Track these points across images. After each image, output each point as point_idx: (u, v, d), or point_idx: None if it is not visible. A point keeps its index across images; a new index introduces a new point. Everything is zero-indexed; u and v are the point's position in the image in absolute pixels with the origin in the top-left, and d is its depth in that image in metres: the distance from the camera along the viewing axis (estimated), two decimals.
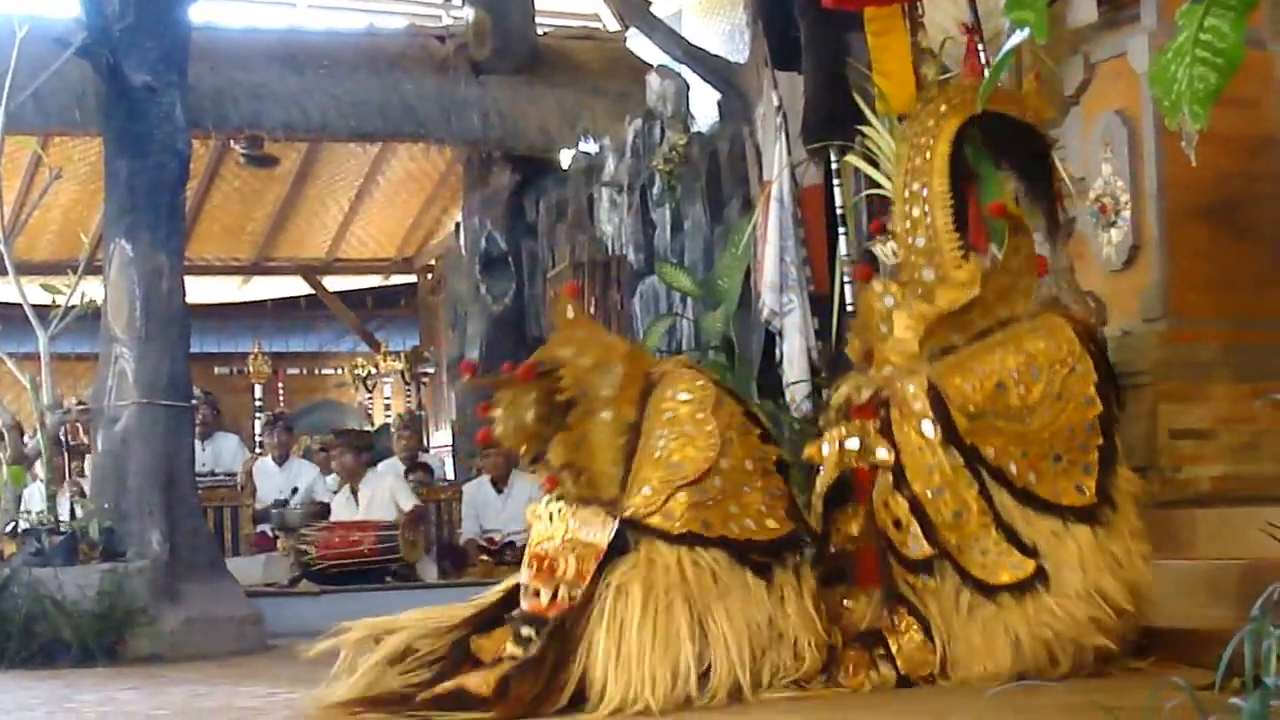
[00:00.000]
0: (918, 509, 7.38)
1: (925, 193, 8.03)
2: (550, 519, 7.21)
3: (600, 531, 7.07)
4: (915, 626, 7.39)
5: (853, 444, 7.60)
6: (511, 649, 7.05)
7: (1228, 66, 3.50)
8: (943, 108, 8.26)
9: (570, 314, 7.63)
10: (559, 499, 7.24)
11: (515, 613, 7.12)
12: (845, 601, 7.51)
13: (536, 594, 7.05)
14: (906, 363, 7.69)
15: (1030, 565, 7.29)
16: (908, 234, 8.07)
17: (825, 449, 7.71)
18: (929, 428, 7.38)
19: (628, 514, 7.08)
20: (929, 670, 7.30)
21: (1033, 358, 7.52)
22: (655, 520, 7.06)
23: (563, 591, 6.99)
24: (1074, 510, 7.38)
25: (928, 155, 8.10)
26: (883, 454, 7.49)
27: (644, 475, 7.17)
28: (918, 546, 7.41)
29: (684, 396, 7.34)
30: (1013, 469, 7.39)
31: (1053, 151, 8.65)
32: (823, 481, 7.69)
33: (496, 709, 6.70)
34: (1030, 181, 8.59)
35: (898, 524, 7.46)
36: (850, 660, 7.31)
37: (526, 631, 6.96)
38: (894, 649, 7.33)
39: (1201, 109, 3.52)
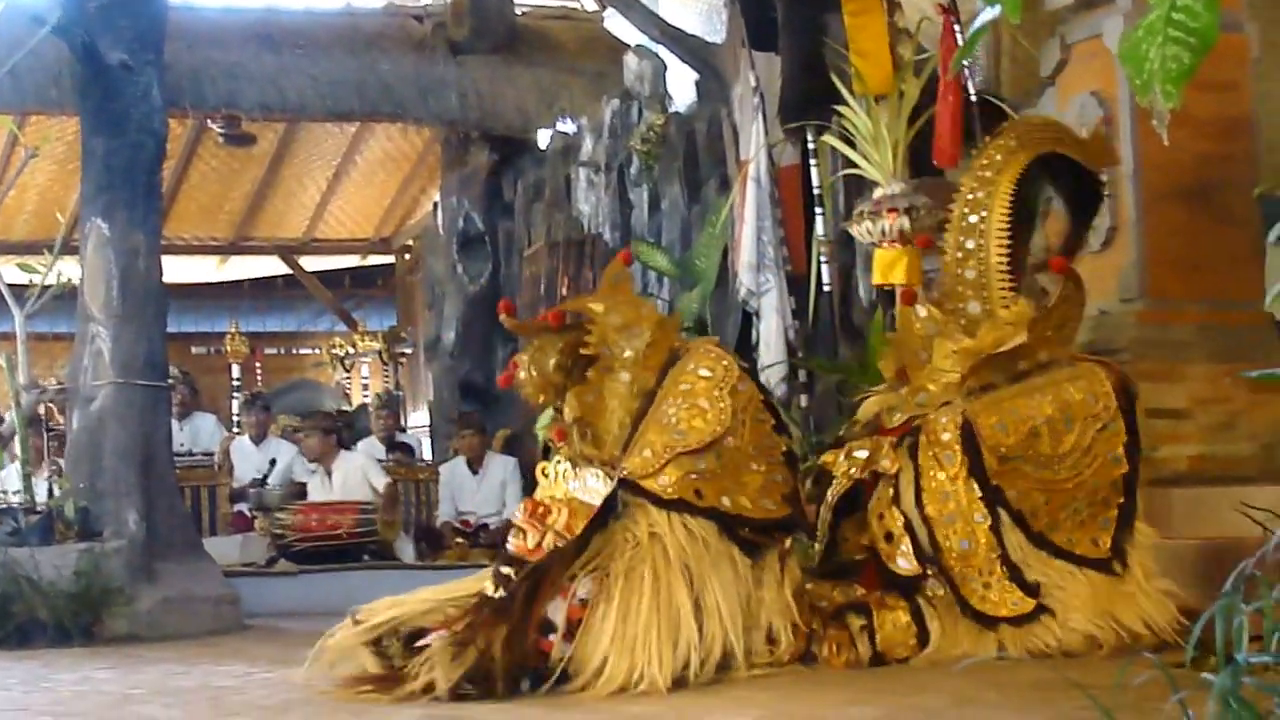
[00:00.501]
0: (911, 528, 7.48)
1: (983, 226, 8.09)
2: (555, 478, 7.30)
3: (599, 495, 7.14)
4: (904, 608, 7.45)
5: (861, 453, 7.69)
6: (489, 588, 7.08)
7: (1201, 46, 3.48)
8: (1011, 143, 8.32)
9: (618, 277, 7.73)
10: (566, 459, 7.32)
11: (499, 553, 7.15)
12: (835, 592, 7.59)
13: (524, 535, 7.09)
14: (943, 393, 7.80)
15: (1030, 604, 7.38)
16: (958, 264, 8.13)
17: (841, 459, 7.80)
18: (950, 459, 7.47)
19: (625, 474, 7.13)
20: (906, 654, 7.37)
21: (1068, 407, 7.60)
22: (649, 483, 7.11)
23: (549, 539, 7.03)
24: (1087, 560, 7.50)
25: (990, 190, 8.14)
26: (885, 464, 7.59)
27: (648, 438, 7.21)
28: (906, 564, 7.51)
29: (704, 372, 7.38)
30: (1032, 513, 7.50)
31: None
32: (834, 490, 7.75)
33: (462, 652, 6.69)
34: (1075, 215, 8.60)
35: (889, 537, 7.56)
36: (832, 639, 7.36)
37: (506, 570, 6.99)
38: (876, 623, 7.40)
39: (1174, 88, 3.49)
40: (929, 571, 7.47)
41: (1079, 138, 8.57)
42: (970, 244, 8.06)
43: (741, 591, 7.14)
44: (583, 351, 7.36)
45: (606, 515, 7.08)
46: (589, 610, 6.91)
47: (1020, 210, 8.21)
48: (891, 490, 7.59)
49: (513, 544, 7.14)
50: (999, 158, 8.22)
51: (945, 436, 7.51)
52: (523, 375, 7.45)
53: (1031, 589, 7.38)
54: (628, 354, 7.39)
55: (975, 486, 7.43)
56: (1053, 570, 7.46)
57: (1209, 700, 3.53)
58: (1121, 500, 7.57)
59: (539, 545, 7.04)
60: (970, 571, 7.42)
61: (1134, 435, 7.67)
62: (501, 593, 6.92)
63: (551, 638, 6.84)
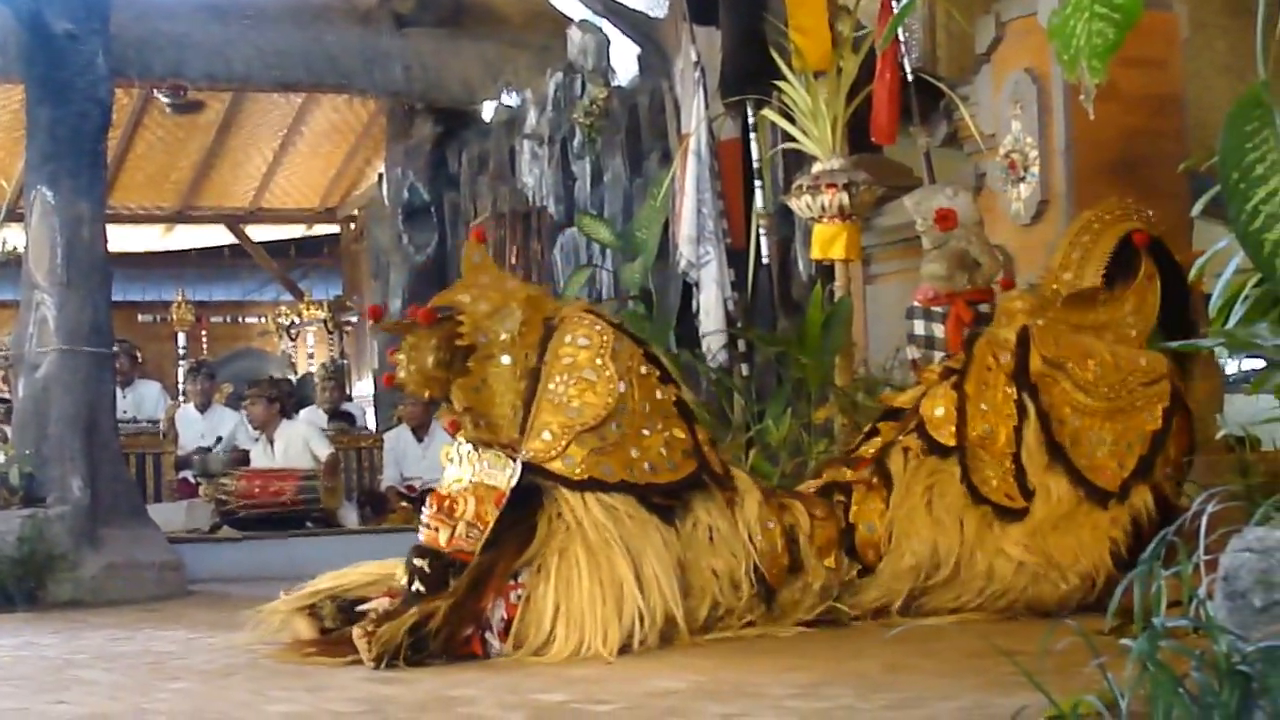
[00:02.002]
0: (961, 408, 7.95)
1: (1091, 246, 8.62)
2: (460, 461, 7.37)
3: (502, 475, 7.22)
4: (882, 495, 7.88)
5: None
6: (402, 577, 7.20)
7: (1125, 22, 3.60)
8: (1135, 211, 8.89)
9: (477, 259, 7.78)
10: (468, 441, 7.38)
11: (412, 546, 7.22)
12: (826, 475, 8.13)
13: (434, 529, 7.15)
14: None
15: (1022, 503, 7.85)
16: (1061, 268, 8.63)
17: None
18: (1003, 354, 8.02)
19: (528, 458, 7.18)
20: (876, 529, 7.79)
21: (1122, 358, 8.12)
22: (556, 466, 7.18)
23: (460, 528, 7.07)
24: (1091, 485, 7.87)
25: (1107, 225, 8.72)
26: (952, 362, 8.28)
27: (544, 419, 7.27)
28: (948, 434, 7.97)
29: (583, 342, 7.44)
30: (1059, 422, 7.93)
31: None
32: (908, 399, 8.35)
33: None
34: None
35: (939, 413, 8.03)
36: (818, 520, 7.81)
37: (419, 562, 7.04)
38: (854, 499, 7.89)
39: (1100, 64, 3.62)
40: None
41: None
42: (1076, 255, 8.65)
43: (672, 556, 7.28)
44: (458, 343, 7.38)
45: (516, 501, 7.15)
46: (530, 589, 7.04)
47: (1127, 258, 8.71)
48: (954, 380, 8.08)
49: (424, 537, 7.18)
50: (1120, 212, 8.83)
51: (1004, 335, 8.08)
52: (402, 375, 7.49)
53: (1028, 492, 7.84)
54: (504, 337, 7.43)
55: (1014, 389, 7.94)
56: (1047, 486, 7.86)
57: (1128, 664, 3.68)
58: (1144, 453, 7.96)
59: (451, 537, 7.09)
60: (983, 455, 7.91)
61: (1178, 407, 8.09)
62: (417, 585, 7.01)
63: (488, 635, 6.98)
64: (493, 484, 7.22)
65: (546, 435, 7.23)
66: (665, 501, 7.40)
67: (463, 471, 7.34)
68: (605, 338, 7.48)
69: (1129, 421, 7.95)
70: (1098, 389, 7.97)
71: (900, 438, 8.05)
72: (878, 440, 8.19)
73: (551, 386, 7.35)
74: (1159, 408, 8.01)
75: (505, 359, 7.41)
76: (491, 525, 7.06)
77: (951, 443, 7.92)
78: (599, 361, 7.39)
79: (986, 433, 7.92)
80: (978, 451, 7.91)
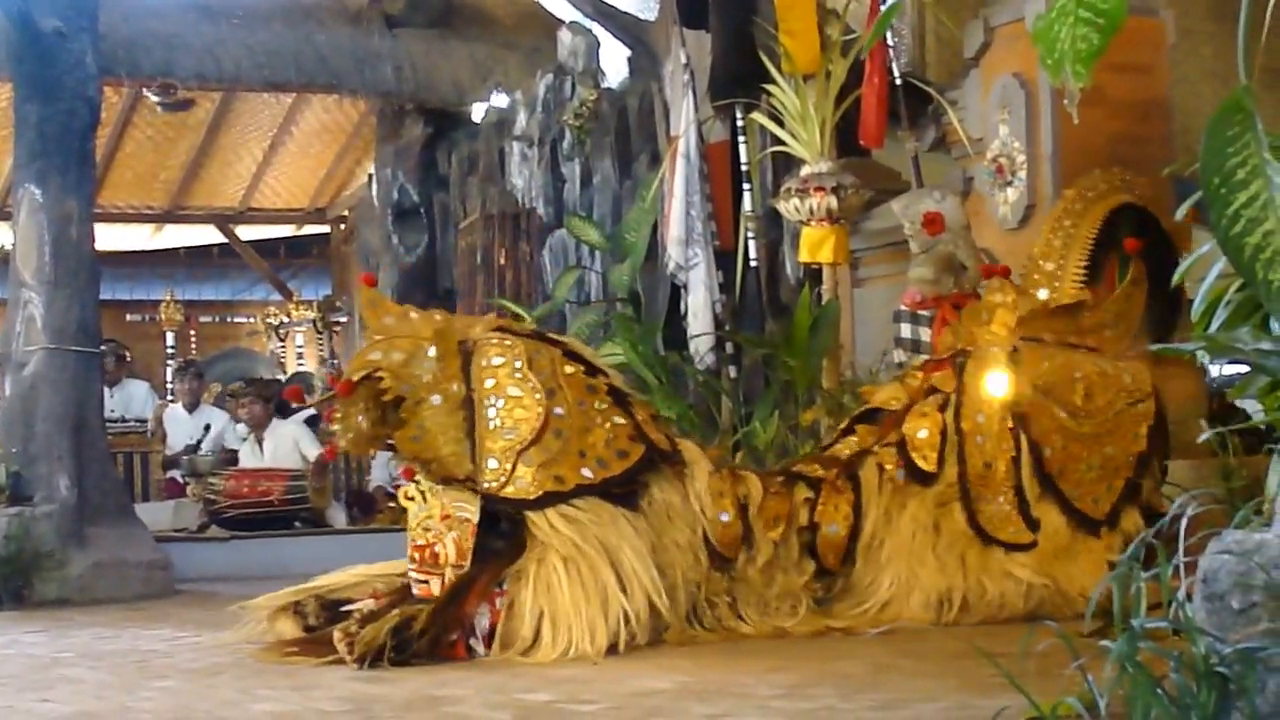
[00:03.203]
0: (945, 435, 7.89)
1: (1073, 230, 8.68)
2: (424, 498, 7.39)
3: (471, 507, 7.25)
4: (849, 499, 7.83)
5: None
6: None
7: (1109, 27, 3.61)
8: (1119, 181, 9.01)
9: (371, 303, 7.77)
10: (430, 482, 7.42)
11: (408, 601, 7.23)
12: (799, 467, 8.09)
13: (425, 582, 7.21)
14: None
15: (1029, 536, 7.85)
16: (1043, 256, 8.71)
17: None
18: (996, 384, 7.88)
19: (486, 490, 7.23)
20: (840, 531, 7.80)
21: (1106, 375, 8.05)
22: (509, 491, 7.23)
23: (449, 574, 7.15)
24: (1081, 515, 7.89)
25: (1089, 205, 8.79)
26: (941, 381, 8.12)
27: (486, 448, 7.29)
28: (925, 463, 7.92)
29: (497, 361, 7.46)
30: (1048, 453, 7.89)
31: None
32: (883, 399, 8.29)
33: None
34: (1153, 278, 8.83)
35: (920, 434, 7.96)
36: (770, 504, 7.75)
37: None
38: (821, 498, 7.85)
39: (1084, 68, 3.63)
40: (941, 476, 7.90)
41: (1179, 228, 8.89)
42: (1057, 242, 8.58)
43: (646, 542, 7.33)
44: (385, 400, 7.38)
45: (489, 526, 7.24)
46: (512, 595, 7.09)
47: (1113, 240, 8.79)
48: (941, 400, 8.01)
49: (418, 591, 7.24)
50: (1104, 186, 8.92)
51: (994, 357, 7.98)
52: (342, 443, 7.56)
53: (1033, 523, 7.85)
54: (426, 379, 7.41)
55: (1008, 415, 7.86)
56: (1044, 514, 7.88)
57: (1107, 665, 3.70)
58: (1130, 476, 7.96)
59: (443, 584, 7.16)
60: (985, 491, 7.86)
61: (1161, 424, 8.08)
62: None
63: (472, 641, 7.02)
64: (464, 515, 7.26)
65: (492, 463, 7.26)
66: (624, 489, 7.44)
67: (429, 508, 7.36)
68: (516, 350, 7.50)
69: (1116, 445, 7.94)
70: (1086, 413, 7.93)
71: (877, 449, 8.03)
72: (854, 441, 8.18)
73: (484, 413, 7.35)
74: (1144, 427, 8.01)
75: (435, 399, 7.40)
76: (471, 549, 7.14)
77: (933, 469, 7.88)
78: (518, 375, 7.41)
79: (986, 468, 7.87)
80: (981, 491, 7.88)
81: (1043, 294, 8.52)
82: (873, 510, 7.87)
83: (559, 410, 7.38)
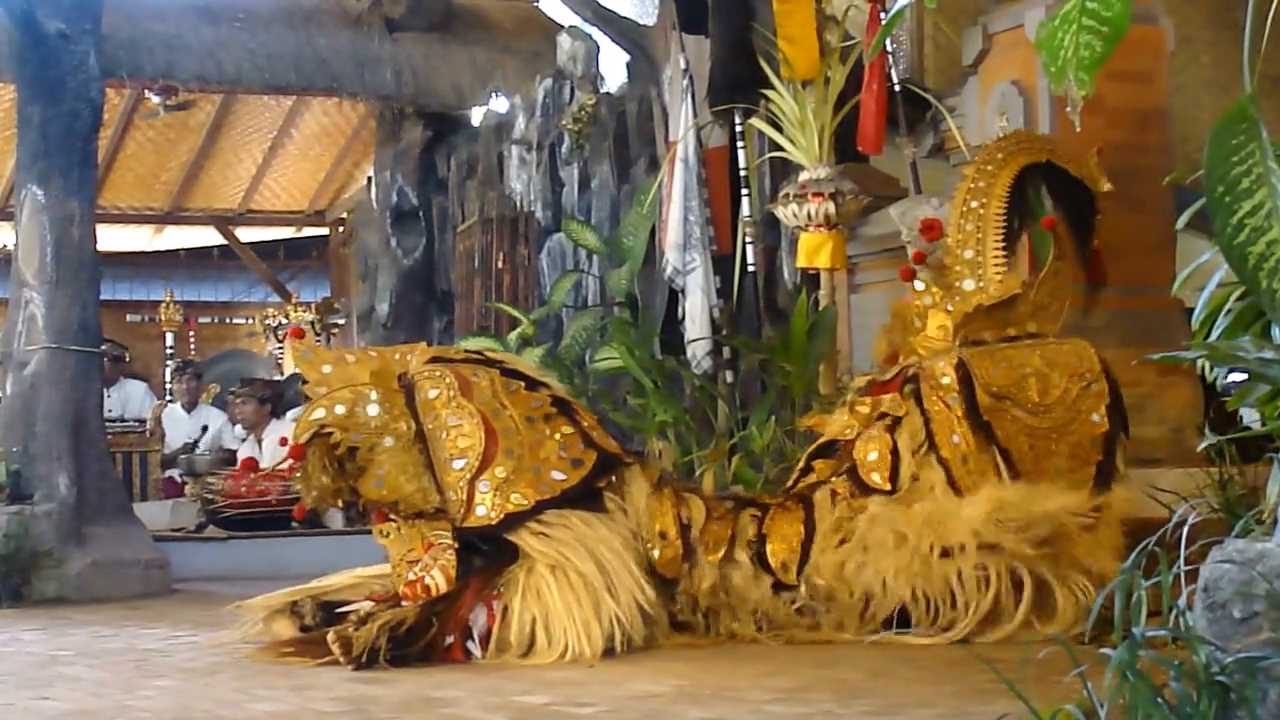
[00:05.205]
0: (896, 454, 7.70)
1: (982, 211, 8.38)
2: (395, 533, 7.45)
3: (448, 534, 7.27)
4: (800, 517, 7.71)
5: (863, 409, 7.98)
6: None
7: (1113, 35, 3.62)
8: (1014, 145, 8.69)
9: (305, 354, 7.71)
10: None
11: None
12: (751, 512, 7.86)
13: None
14: (934, 355, 8.04)
15: None
16: (959, 245, 8.39)
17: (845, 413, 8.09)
18: (955, 400, 7.72)
19: (454, 524, 7.24)
20: (791, 542, 7.62)
21: (1055, 363, 7.93)
22: (473, 522, 7.22)
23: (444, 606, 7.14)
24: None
25: (991, 180, 8.46)
26: (892, 405, 7.87)
27: (445, 482, 7.28)
28: (879, 478, 7.70)
29: (433, 394, 7.44)
30: (1018, 456, 7.75)
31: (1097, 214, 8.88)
32: (837, 432, 8.03)
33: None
34: (1074, 230, 8.79)
35: (870, 458, 7.76)
36: (713, 528, 7.64)
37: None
38: (768, 516, 7.72)
39: (1087, 76, 3.64)
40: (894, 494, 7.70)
41: (1079, 157, 8.76)
42: (969, 226, 8.32)
43: (620, 533, 7.36)
44: (337, 454, 7.35)
45: (468, 556, 7.26)
46: (506, 601, 7.10)
47: (1021, 205, 8.55)
48: (889, 423, 7.80)
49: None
50: (1000, 156, 8.56)
51: (945, 380, 7.78)
52: (309, 502, 7.54)
53: None
54: (374, 424, 7.38)
55: (973, 428, 7.71)
56: None
57: (1107, 673, 3.71)
58: (1100, 459, 7.84)
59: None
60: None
61: (1117, 399, 7.97)
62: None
63: (469, 644, 7.03)
64: (445, 542, 7.28)
65: (452, 495, 7.25)
66: (586, 493, 7.42)
67: (408, 540, 7.40)
68: (448, 380, 7.47)
69: (1080, 432, 7.83)
70: (1045, 408, 7.81)
71: (832, 479, 7.90)
72: (812, 478, 8.07)
73: (435, 448, 7.34)
74: (1101, 407, 7.90)
75: (387, 441, 7.36)
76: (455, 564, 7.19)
77: (886, 486, 7.75)
78: (455, 405, 7.39)
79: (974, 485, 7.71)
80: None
81: (969, 284, 8.28)
82: (824, 522, 7.75)
83: (504, 431, 7.37)
